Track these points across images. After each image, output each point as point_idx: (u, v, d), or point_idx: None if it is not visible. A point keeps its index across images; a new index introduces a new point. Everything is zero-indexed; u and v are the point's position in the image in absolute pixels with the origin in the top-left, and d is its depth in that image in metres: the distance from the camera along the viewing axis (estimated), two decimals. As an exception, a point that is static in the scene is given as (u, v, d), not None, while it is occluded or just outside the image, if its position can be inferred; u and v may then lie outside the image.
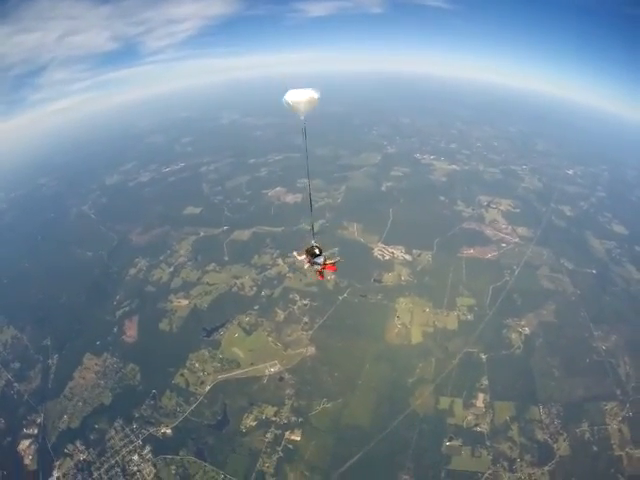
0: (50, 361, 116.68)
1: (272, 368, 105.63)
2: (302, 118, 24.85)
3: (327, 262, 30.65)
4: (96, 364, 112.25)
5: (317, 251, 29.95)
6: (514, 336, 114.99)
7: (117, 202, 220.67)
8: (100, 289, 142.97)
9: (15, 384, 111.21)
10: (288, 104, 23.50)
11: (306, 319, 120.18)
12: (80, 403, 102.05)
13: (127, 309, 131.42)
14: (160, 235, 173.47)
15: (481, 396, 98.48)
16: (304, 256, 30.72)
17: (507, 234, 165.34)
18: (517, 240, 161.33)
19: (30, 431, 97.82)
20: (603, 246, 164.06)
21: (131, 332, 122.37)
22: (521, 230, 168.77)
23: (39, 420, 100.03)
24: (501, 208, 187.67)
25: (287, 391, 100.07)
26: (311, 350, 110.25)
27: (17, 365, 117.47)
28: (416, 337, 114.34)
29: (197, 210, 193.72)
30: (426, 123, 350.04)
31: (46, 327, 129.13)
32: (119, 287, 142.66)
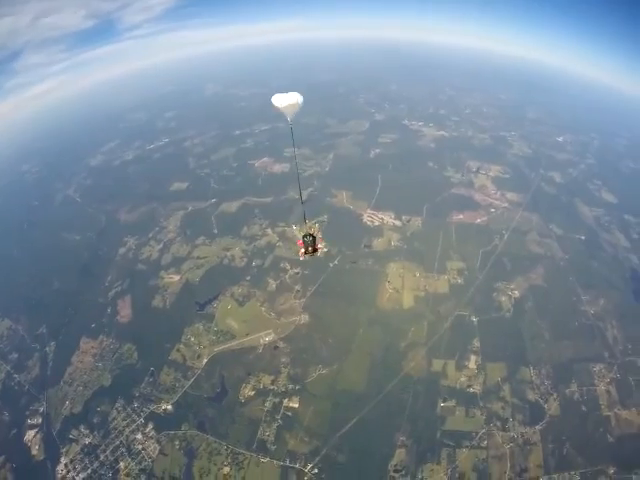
0: (47, 349, 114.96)
1: (267, 337, 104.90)
2: (289, 120, 28.29)
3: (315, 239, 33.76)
4: (93, 347, 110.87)
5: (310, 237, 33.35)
6: (504, 299, 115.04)
7: (102, 183, 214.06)
8: (91, 272, 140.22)
9: (15, 375, 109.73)
10: (280, 108, 27.11)
11: (298, 287, 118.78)
12: (80, 387, 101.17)
13: (119, 289, 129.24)
14: (148, 213, 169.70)
15: (473, 358, 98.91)
16: (302, 249, 34.09)
17: (496, 199, 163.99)
18: (506, 205, 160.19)
19: (34, 421, 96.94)
20: (592, 213, 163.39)
21: (125, 312, 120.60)
22: (510, 195, 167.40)
23: (42, 409, 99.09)
24: (490, 174, 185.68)
25: (283, 359, 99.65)
26: (304, 318, 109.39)
27: (15, 356, 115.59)
28: (408, 301, 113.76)
29: (184, 185, 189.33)
30: (415, 90, 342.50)
31: (40, 315, 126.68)
32: (110, 268, 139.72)
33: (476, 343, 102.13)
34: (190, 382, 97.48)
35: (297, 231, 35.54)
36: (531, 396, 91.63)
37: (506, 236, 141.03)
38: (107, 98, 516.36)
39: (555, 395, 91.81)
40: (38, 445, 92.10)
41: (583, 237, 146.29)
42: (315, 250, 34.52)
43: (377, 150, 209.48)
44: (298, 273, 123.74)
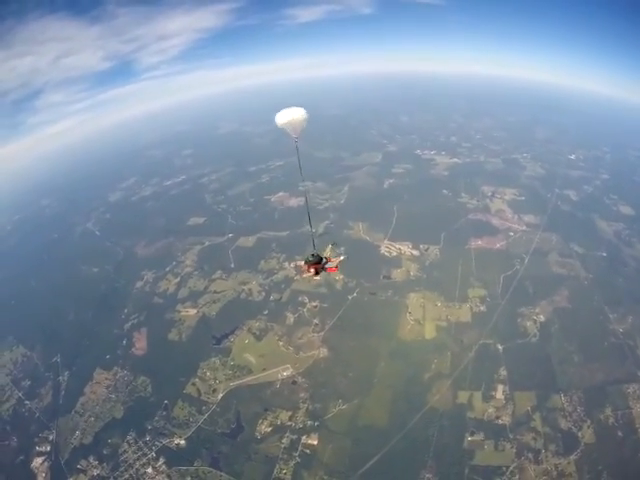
0: (60, 378, 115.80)
1: (285, 372, 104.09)
2: (294, 137, 27.20)
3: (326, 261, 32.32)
4: (106, 378, 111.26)
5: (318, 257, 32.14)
6: (529, 324, 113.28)
7: (121, 217, 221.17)
8: (107, 304, 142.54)
9: (26, 402, 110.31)
10: (283, 125, 26.10)
11: (316, 321, 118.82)
12: (92, 418, 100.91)
13: (135, 322, 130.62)
14: (165, 247, 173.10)
15: (500, 387, 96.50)
16: (312, 270, 32.12)
17: (514, 223, 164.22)
18: (524, 228, 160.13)
19: (43, 448, 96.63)
20: (611, 228, 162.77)
21: (140, 344, 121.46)
22: (528, 218, 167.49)
23: (51, 437, 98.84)
24: (506, 197, 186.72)
25: (301, 395, 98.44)
26: (323, 352, 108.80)
27: (28, 383, 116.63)
28: (430, 332, 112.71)
29: (201, 220, 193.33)
30: (425, 119, 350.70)
31: (55, 344, 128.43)
32: (126, 300, 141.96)
33: (502, 372, 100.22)
34: (204, 417, 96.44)
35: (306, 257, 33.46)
36: (563, 424, 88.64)
37: (527, 259, 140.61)
38: (125, 136, 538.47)
39: (589, 422, 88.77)
40: (45, 473, 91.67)
41: (605, 253, 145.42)
42: (318, 269, 32.87)
43: (391, 181, 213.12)
44: (317, 306, 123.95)
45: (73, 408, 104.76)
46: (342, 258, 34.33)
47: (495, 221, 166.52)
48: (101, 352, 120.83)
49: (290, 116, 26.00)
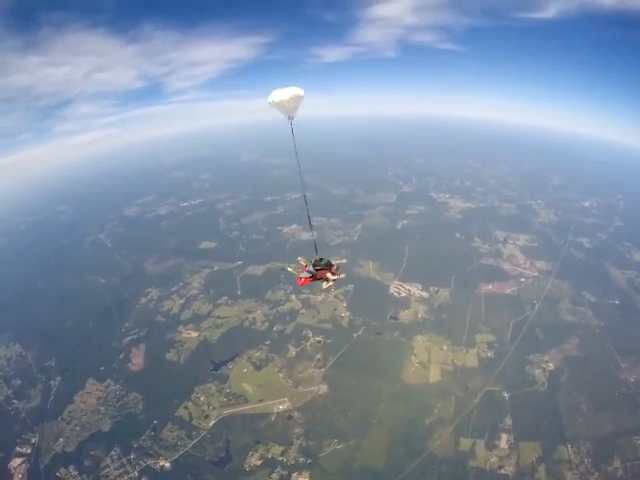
0: (52, 382, 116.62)
1: (281, 405, 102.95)
2: (289, 119, 25.37)
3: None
4: (98, 390, 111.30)
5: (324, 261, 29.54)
6: (538, 372, 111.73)
7: (134, 232, 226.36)
8: (109, 315, 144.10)
9: (14, 401, 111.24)
10: (274, 103, 23.99)
11: (319, 356, 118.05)
12: (78, 427, 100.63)
13: (135, 337, 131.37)
14: (174, 267, 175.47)
15: (504, 437, 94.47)
16: (318, 276, 29.01)
17: (526, 269, 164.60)
18: (536, 274, 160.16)
19: (23, 450, 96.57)
20: (624, 276, 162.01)
21: (137, 360, 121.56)
22: (540, 264, 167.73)
23: (34, 440, 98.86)
24: (518, 243, 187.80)
25: (296, 430, 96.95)
26: (323, 388, 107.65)
27: (18, 382, 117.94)
28: (434, 376, 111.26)
29: (212, 244, 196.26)
30: (440, 162, 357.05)
31: (52, 348, 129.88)
32: (129, 315, 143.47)
33: (508, 420, 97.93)
34: (193, 442, 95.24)
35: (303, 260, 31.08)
36: (570, 477, 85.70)
37: (537, 306, 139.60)
38: (148, 155, 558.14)
39: (596, 474, 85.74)
40: (22, 475, 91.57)
41: (617, 301, 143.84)
42: (322, 276, 29.83)
43: (405, 221, 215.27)
44: (320, 342, 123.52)
45: (60, 414, 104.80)
46: (343, 261, 32.81)
47: (507, 266, 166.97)
48: (96, 362, 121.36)
49: (283, 94, 23.91)
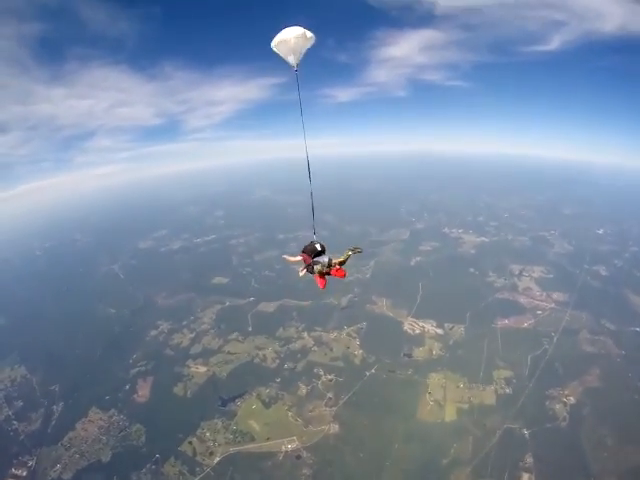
0: (55, 407, 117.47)
1: (290, 445, 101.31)
2: (293, 66, 22.60)
3: (334, 262, 23.99)
4: (101, 419, 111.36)
5: (319, 247, 24.05)
6: (558, 407, 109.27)
7: (147, 265, 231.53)
8: (118, 345, 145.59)
9: (14, 422, 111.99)
10: (277, 47, 21.72)
11: (330, 395, 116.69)
12: (77, 455, 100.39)
13: (142, 369, 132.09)
14: (185, 301, 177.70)
15: (526, 476, 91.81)
16: (299, 257, 24.69)
17: (542, 301, 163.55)
18: (553, 306, 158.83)
19: (19, 472, 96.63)
20: None
21: (143, 392, 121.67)
22: (556, 295, 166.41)
23: (31, 463, 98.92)
24: (534, 275, 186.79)
25: (304, 471, 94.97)
26: (334, 428, 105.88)
27: (20, 404, 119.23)
28: (450, 414, 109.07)
29: (224, 280, 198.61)
30: (453, 198, 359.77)
31: (57, 373, 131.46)
32: (137, 346, 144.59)
33: (528, 459, 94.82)
34: (196, 479, 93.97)
35: (288, 258, 26.69)
36: None
37: (556, 338, 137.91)
38: (164, 190, 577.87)
39: None
40: None
41: (638, 329, 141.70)
42: (328, 271, 24.63)
43: (418, 258, 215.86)
44: (332, 380, 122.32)
45: (60, 440, 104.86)
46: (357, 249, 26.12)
47: (523, 299, 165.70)
48: (101, 391, 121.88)
49: (287, 34, 21.28)
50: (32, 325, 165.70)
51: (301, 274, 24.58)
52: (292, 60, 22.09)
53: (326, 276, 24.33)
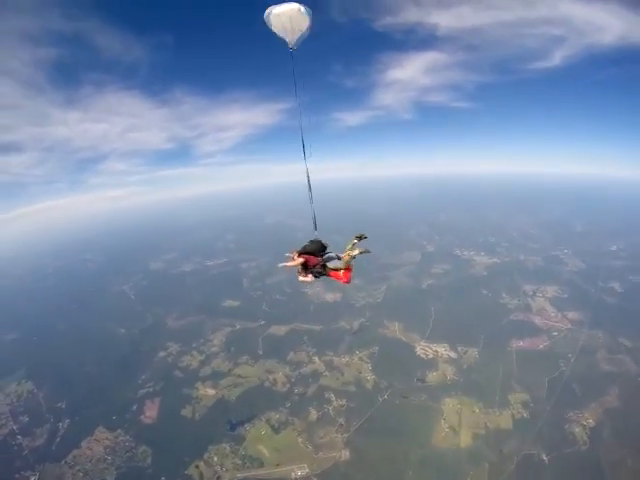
0: (60, 424, 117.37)
1: (299, 471, 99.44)
2: (289, 44, 21.66)
3: (352, 255, 23.85)
4: (107, 438, 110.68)
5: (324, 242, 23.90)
6: (578, 430, 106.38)
7: (158, 286, 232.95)
8: (126, 365, 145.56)
9: (19, 437, 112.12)
10: (270, 21, 20.75)
11: (342, 421, 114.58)
12: (81, 474, 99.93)
13: (150, 390, 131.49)
14: (196, 323, 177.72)
15: None
16: (300, 260, 23.28)
17: (557, 321, 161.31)
18: (569, 326, 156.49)
19: None
20: None
21: (151, 413, 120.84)
22: (572, 315, 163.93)
23: (33, 479, 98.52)
24: (548, 295, 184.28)
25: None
26: (345, 454, 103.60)
27: (26, 419, 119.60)
28: (465, 440, 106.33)
29: (235, 303, 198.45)
30: (463, 219, 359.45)
31: (64, 390, 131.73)
32: (146, 367, 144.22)
33: None
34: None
35: (290, 261, 24.37)
36: None
37: (573, 359, 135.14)
38: (175, 213, 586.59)
39: None
40: None
41: None
42: (313, 266, 24.32)
43: (430, 281, 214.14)
44: (343, 405, 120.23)
45: (64, 458, 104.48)
46: (357, 252, 24.69)
47: (538, 320, 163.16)
48: (108, 411, 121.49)
49: (280, 9, 20.25)
50: (41, 341, 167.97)
51: (308, 279, 24.04)
52: (287, 37, 21.31)
53: (325, 277, 24.52)
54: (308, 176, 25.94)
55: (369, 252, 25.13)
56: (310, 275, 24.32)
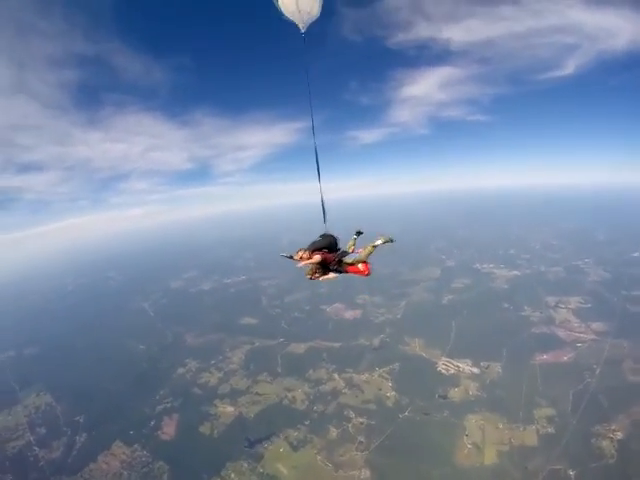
0: (77, 437, 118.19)
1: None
2: (300, 25, 21.07)
3: (361, 257, 22.95)
4: (124, 453, 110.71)
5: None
6: (605, 444, 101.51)
7: (177, 304, 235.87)
8: (145, 381, 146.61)
9: (35, 448, 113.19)
10: (281, 3, 20.44)
11: (362, 438, 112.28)
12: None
13: (169, 406, 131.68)
14: (215, 341, 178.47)
15: None
16: (317, 257, 21.68)
17: (581, 332, 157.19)
18: (593, 337, 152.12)
19: None
20: None
21: (168, 429, 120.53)
22: (596, 325, 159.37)
23: None
24: (570, 306, 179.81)
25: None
26: (365, 473, 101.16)
27: (43, 431, 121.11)
28: (489, 457, 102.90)
29: (254, 321, 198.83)
30: (482, 233, 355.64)
31: (82, 404, 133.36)
32: (165, 383, 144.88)
33: None
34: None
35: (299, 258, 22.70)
36: None
37: (598, 370, 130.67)
38: (195, 232, 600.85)
39: None
40: None
41: None
42: (330, 263, 22.93)
43: (450, 296, 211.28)
44: (363, 423, 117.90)
45: (80, 471, 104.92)
46: (380, 242, 24.36)
47: (561, 332, 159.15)
48: (126, 426, 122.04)
49: None
50: (60, 356, 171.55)
51: (330, 276, 22.53)
52: (300, 18, 20.69)
53: (343, 273, 22.95)
54: (319, 177, 25.44)
55: (393, 241, 24.72)
56: (331, 273, 22.90)
